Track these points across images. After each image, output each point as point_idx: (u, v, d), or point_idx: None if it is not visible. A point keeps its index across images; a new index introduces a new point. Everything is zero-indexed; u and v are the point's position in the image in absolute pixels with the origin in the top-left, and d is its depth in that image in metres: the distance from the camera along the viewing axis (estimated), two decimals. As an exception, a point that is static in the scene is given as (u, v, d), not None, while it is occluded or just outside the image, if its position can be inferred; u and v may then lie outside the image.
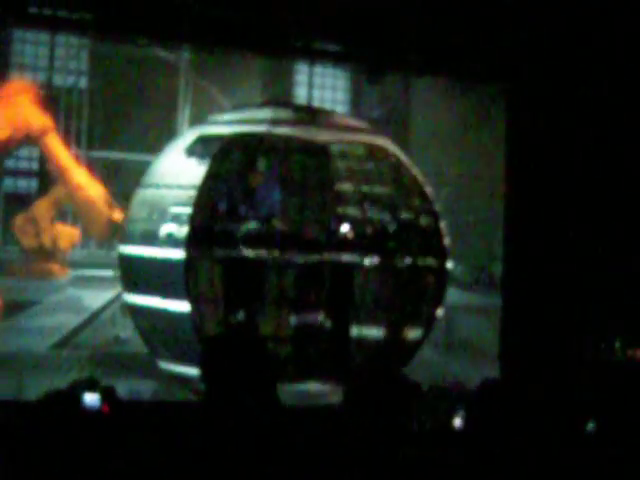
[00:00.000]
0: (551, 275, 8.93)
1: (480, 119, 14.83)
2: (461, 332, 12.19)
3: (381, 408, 3.91)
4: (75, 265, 14.42)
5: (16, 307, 11.49)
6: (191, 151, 9.04)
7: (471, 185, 15.09)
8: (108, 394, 4.33)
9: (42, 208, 13.59)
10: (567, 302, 8.89)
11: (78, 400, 4.10)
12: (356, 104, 18.01)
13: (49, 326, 11.36)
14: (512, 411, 4.25)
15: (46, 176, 14.52)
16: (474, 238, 14.46)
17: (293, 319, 9.29)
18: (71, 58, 17.36)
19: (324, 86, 18.11)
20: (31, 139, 11.97)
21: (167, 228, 8.64)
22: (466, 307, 12.73)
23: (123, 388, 8.71)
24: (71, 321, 11.78)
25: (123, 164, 14.77)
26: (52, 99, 14.87)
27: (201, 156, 8.88)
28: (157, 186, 9.05)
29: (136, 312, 9.33)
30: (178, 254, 8.57)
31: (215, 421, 3.56)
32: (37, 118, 11.75)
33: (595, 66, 8.83)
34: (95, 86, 17.03)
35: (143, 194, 9.31)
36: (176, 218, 8.57)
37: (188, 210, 8.56)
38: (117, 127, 15.96)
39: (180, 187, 8.74)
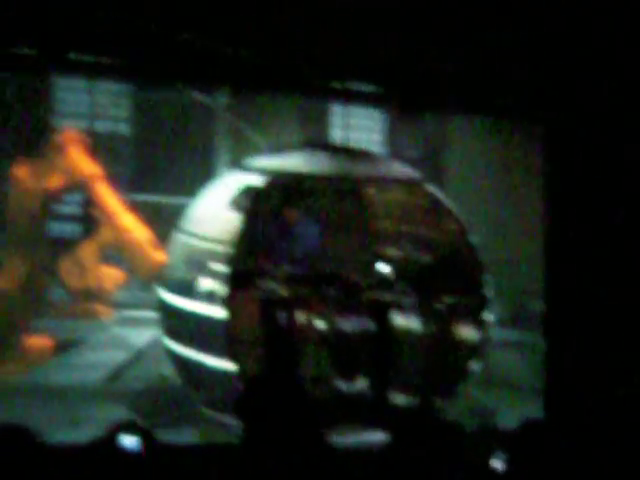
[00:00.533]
0: (595, 311, 8.52)
1: (514, 158, 14.59)
2: (497, 368, 11.77)
3: (426, 452, 3.73)
4: (118, 306, 14.26)
5: (64, 345, 11.45)
6: (227, 195, 8.74)
7: (506, 223, 14.73)
8: (146, 437, 4.08)
9: (87, 251, 13.57)
10: (613, 340, 8.47)
11: (116, 443, 3.91)
12: (391, 145, 17.70)
13: (97, 362, 11.38)
14: (558, 454, 4.04)
15: (89, 220, 14.18)
16: (510, 275, 14.16)
17: (333, 359, 8.94)
18: (112, 105, 17.31)
19: (359, 127, 17.80)
20: (81, 186, 11.99)
21: (206, 284, 8.32)
22: (503, 343, 12.33)
23: (164, 430, 8.64)
24: (117, 358, 11.74)
25: (162, 207, 14.47)
26: (93, 145, 13.89)
27: (237, 200, 8.56)
28: (193, 234, 8.71)
29: (175, 359, 9.05)
30: (219, 313, 8.23)
31: (255, 465, 3.48)
32: (87, 166, 11.72)
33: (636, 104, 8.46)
34: (135, 131, 16.99)
35: (180, 239, 9.06)
36: (215, 275, 8.25)
37: (226, 268, 8.24)
38: (156, 171, 15.92)
39: (216, 239, 8.43)
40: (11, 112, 15.05)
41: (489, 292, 8.94)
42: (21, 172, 10.96)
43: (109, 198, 11.81)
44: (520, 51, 8.58)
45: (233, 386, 8.12)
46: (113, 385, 10.73)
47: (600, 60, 8.49)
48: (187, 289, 8.55)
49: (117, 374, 11.10)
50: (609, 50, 8.47)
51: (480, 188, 14.93)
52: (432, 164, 16.00)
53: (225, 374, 8.22)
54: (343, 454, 4.09)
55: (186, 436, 8.92)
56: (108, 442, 3.83)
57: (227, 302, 8.27)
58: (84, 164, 11.43)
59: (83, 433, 8.12)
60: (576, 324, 8.62)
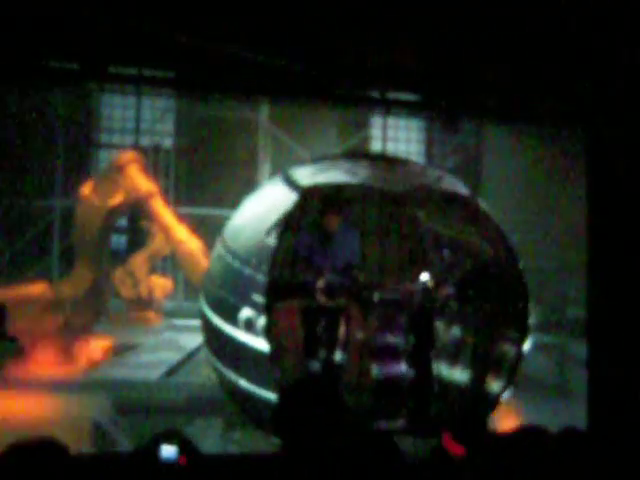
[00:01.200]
0: (638, 319, 8.07)
1: (552, 167, 14.27)
2: (534, 371, 11.39)
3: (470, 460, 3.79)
4: (166, 314, 15.10)
5: (122, 348, 12.32)
6: (267, 205, 8.40)
7: (539, 231, 14.33)
8: (186, 446, 3.96)
9: (138, 261, 14.24)
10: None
11: (156, 453, 3.86)
12: (429, 155, 17.42)
13: (153, 361, 12.11)
14: (600, 463, 3.98)
15: (136, 233, 15.06)
16: (548, 283, 13.80)
17: (374, 369, 8.55)
18: (157, 120, 17.31)
19: (397, 139, 17.54)
20: (139, 202, 12.53)
21: (246, 313, 7.98)
22: (541, 347, 12.01)
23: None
24: (171, 358, 12.44)
25: (207, 219, 14.44)
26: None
27: (277, 210, 8.20)
28: (231, 249, 8.38)
29: (217, 375, 8.75)
30: (258, 344, 7.91)
31: (293, 473, 3.41)
32: (145, 184, 12.39)
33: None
34: (180, 146, 17.08)
35: (219, 252, 8.73)
36: (255, 305, 7.92)
37: (265, 300, 7.90)
38: (201, 184, 15.82)
39: (255, 254, 8.10)
40: (62, 129, 15.23)
41: (531, 302, 8.47)
42: (86, 190, 11.91)
43: (165, 212, 12.41)
44: (563, 57, 8.18)
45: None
46: (170, 380, 11.47)
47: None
48: (227, 310, 8.25)
49: (173, 370, 11.86)
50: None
51: (515, 196, 14.61)
52: (469, 173, 15.68)
53: (265, 402, 7.86)
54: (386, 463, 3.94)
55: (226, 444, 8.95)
56: (149, 451, 3.78)
57: (267, 312, 7.91)
58: (142, 182, 12.12)
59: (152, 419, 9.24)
60: (618, 331, 8.18)
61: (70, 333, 11.53)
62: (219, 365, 8.52)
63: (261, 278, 7.92)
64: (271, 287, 7.92)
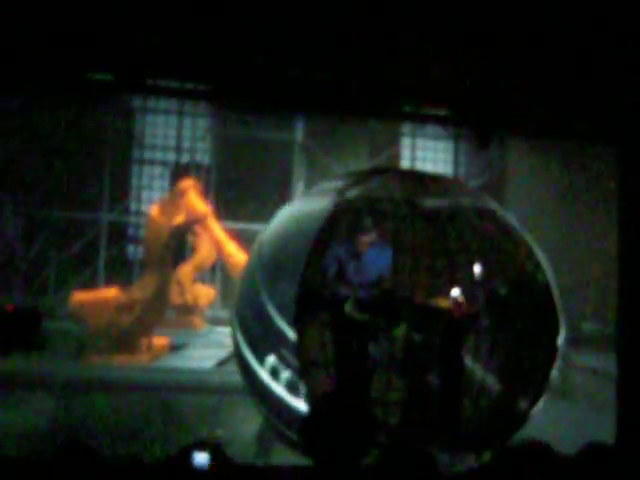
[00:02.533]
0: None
1: (572, 187, 13.73)
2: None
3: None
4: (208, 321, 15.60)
5: (175, 346, 13.47)
6: (299, 219, 7.76)
7: (563, 249, 13.64)
8: (217, 453, 3.84)
9: (185, 271, 14.91)
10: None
11: (188, 460, 3.79)
12: (456, 176, 16.80)
13: (204, 355, 12.90)
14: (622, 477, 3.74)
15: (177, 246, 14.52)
16: (564, 299, 13.16)
17: (404, 384, 7.87)
18: (197, 139, 17.18)
19: (425, 159, 16.94)
20: (197, 221, 13.28)
21: (272, 360, 7.38)
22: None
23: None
24: (219, 353, 12.92)
25: (244, 233, 14.35)
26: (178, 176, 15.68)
27: (309, 224, 7.55)
28: (261, 265, 7.73)
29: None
30: (281, 392, 7.29)
31: None
32: (202, 207, 13.03)
33: None
34: (218, 164, 16.84)
35: (249, 268, 8.14)
36: (282, 358, 7.31)
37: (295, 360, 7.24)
38: (238, 200, 15.84)
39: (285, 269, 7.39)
40: (109, 147, 15.26)
41: (562, 318, 7.77)
42: (155, 212, 12.75)
43: (217, 230, 13.28)
44: (596, 74, 7.52)
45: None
46: (221, 369, 12.16)
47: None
48: (255, 345, 7.68)
49: (223, 362, 12.45)
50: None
51: (536, 214, 13.99)
52: (493, 193, 15.07)
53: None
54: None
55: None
56: (181, 458, 3.74)
57: (298, 325, 7.25)
58: (199, 205, 12.91)
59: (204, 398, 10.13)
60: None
61: (139, 330, 12.56)
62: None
63: (292, 335, 7.26)
64: (301, 300, 7.24)
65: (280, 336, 7.30)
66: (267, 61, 7.58)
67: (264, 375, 7.39)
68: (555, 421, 8.29)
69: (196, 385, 11.04)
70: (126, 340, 12.28)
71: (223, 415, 9.88)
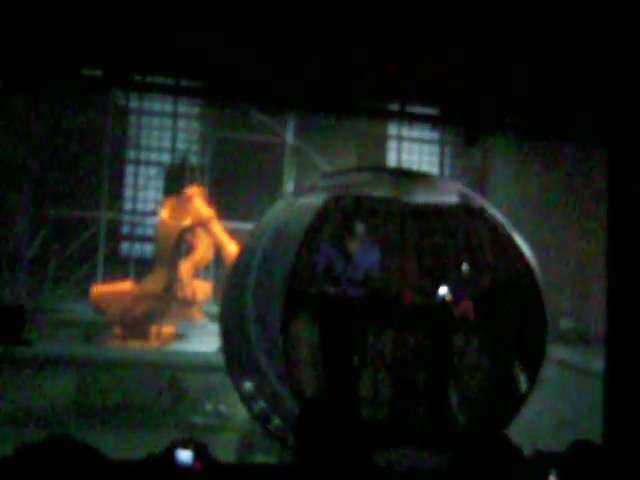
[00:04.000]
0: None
1: (551, 188, 13.31)
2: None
3: (486, 474, 3.25)
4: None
5: (179, 335, 13.72)
6: (286, 216, 7.18)
7: (542, 247, 13.17)
8: (201, 451, 3.73)
9: (184, 268, 14.61)
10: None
11: (172, 458, 3.66)
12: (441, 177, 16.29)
13: (207, 342, 12.54)
14: (609, 475, 3.52)
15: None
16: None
17: (391, 382, 7.31)
18: (192, 141, 16.83)
19: (411, 161, 16.39)
20: (202, 225, 13.62)
21: (248, 386, 7.02)
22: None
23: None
24: (218, 342, 12.93)
25: (236, 233, 14.03)
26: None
27: (297, 221, 6.98)
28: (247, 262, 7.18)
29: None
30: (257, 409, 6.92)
31: None
32: (206, 211, 13.47)
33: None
34: (212, 165, 16.93)
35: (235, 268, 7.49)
36: (258, 386, 6.93)
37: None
38: (230, 200, 15.50)
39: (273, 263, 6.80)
40: (108, 148, 15.96)
41: (549, 316, 7.21)
42: (165, 214, 13.41)
43: (220, 231, 13.53)
44: (584, 75, 6.96)
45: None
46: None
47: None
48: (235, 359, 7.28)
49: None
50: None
51: (515, 214, 13.54)
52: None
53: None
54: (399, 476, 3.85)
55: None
56: (166, 456, 3.65)
57: (285, 323, 6.68)
58: (204, 210, 13.42)
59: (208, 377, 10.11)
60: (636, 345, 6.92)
61: (150, 319, 13.22)
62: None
63: (265, 364, 6.80)
64: (289, 297, 6.66)
65: (258, 364, 6.90)
66: (258, 59, 7.07)
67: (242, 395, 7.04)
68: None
69: (201, 365, 11.06)
70: (139, 327, 13.13)
71: (226, 392, 9.59)
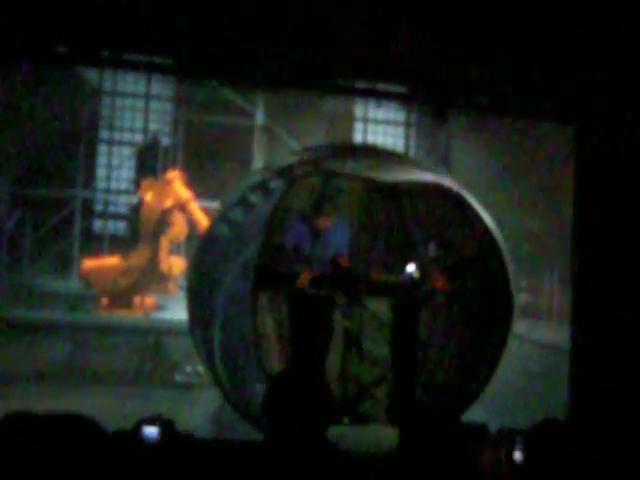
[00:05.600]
0: (622, 313, 6.45)
1: (511, 165, 12.97)
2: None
3: (441, 454, 3.25)
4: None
5: (159, 305, 13.90)
6: (255, 195, 6.68)
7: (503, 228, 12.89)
8: (167, 427, 3.59)
9: (162, 245, 14.47)
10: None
11: (138, 433, 3.52)
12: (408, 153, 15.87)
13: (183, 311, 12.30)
14: (573, 449, 3.36)
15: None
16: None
17: (358, 359, 6.87)
18: (164, 122, 16.43)
19: (376, 143, 15.86)
20: (180, 206, 13.60)
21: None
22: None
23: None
24: None
25: (207, 211, 13.32)
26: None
27: (266, 200, 6.48)
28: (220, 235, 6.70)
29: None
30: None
31: (273, 462, 2.94)
32: (185, 193, 13.56)
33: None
34: (184, 146, 16.37)
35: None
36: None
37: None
38: (200, 179, 14.66)
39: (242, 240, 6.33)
40: (84, 128, 15.83)
41: (516, 295, 6.81)
42: (148, 195, 13.68)
43: (197, 211, 13.54)
44: (552, 55, 6.53)
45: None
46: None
47: (629, 58, 6.43)
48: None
49: None
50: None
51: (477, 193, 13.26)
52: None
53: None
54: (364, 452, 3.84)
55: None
56: (132, 431, 3.52)
57: (253, 301, 6.20)
58: (183, 192, 13.60)
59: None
60: (602, 320, 6.56)
61: (135, 291, 13.46)
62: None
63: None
64: (257, 275, 6.18)
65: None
66: (228, 36, 6.55)
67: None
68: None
69: (181, 331, 10.63)
70: (124, 298, 13.45)
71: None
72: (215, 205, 13.31)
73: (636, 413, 6.38)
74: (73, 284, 14.62)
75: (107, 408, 7.26)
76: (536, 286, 13.45)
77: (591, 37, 6.62)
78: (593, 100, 6.64)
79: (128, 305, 13.61)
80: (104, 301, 13.52)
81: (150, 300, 14.08)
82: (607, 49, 6.62)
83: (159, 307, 14.04)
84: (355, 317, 6.87)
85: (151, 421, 3.62)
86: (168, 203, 13.69)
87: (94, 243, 15.76)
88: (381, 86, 6.92)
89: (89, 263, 14.10)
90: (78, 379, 9.96)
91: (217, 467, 3.34)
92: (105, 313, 13.41)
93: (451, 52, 6.60)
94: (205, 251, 6.94)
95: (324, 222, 6.54)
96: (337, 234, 6.58)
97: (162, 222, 13.95)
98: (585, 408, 6.58)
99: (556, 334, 10.62)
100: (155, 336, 11.50)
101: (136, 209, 15.06)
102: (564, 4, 6.64)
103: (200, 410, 8.30)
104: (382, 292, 6.83)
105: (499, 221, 11.40)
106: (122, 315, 13.20)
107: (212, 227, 7.14)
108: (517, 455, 3.50)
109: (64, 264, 15.44)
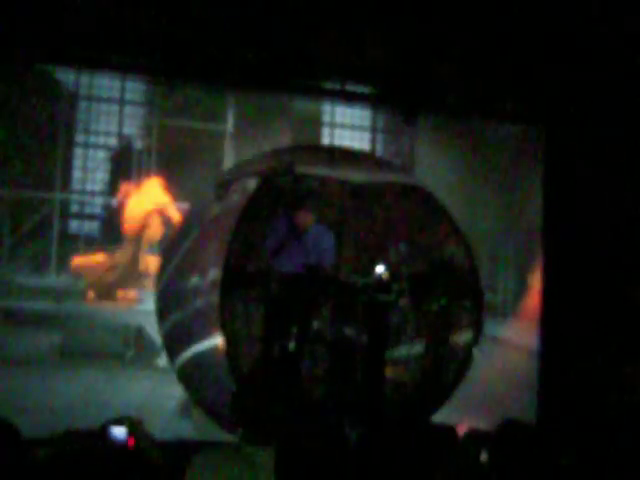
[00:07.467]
0: (591, 314, 6.05)
1: (477, 167, 12.61)
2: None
3: (407, 456, 3.09)
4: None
5: (139, 299, 13.97)
6: (222, 197, 6.18)
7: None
8: (135, 428, 3.42)
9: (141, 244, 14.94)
10: (608, 347, 6.00)
11: (106, 433, 3.34)
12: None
13: None
14: (535, 450, 3.10)
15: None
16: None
17: (328, 360, 6.36)
18: (138, 127, 16.18)
19: (345, 137, 15.52)
20: (158, 210, 13.97)
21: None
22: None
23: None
24: None
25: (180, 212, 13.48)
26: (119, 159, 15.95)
27: (231, 201, 5.98)
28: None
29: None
30: None
31: (245, 461, 2.74)
32: (163, 197, 13.97)
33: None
34: (156, 150, 15.60)
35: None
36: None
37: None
38: (174, 182, 14.45)
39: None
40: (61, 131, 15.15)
41: (485, 295, 6.37)
42: (128, 200, 14.11)
43: (174, 214, 13.73)
44: (521, 56, 6.10)
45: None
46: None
47: (601, 60, 6.02)
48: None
49: None
50: (610, 50, 6.00)
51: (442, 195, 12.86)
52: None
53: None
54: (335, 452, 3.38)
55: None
56: (100, 432, 3.38)
57: (224, 303, 5.69)
58: (162, 196, 14.01)
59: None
60: (571, 324, 6.17)
61: (119, 285, 13.88)
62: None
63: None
64: (227, 275, 5.73)
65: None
66: (197, 37, 6.06)
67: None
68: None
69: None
70: (109, 292, 13.89)
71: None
72: (186, 206, 13.18)
73: (603, 412, 6.02)
74: (52, 280, 14.60)
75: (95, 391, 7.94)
76: (492, 284, 13.14)
77: (560, 38, 6.21)
78: (562, 101, 6.22)
79: (112, 298, 13.97)
80: (90, 294, 13.88)
81: (131, 294, 14.40)
82: (576, 50, 6.22)
83: (140, 300, 14.19)
84: (326, 319, 6.36)
85: (118, 422, 3.45)
86: (149, 206, 14.16)
87: (69, 243, 15.37)
88: (350, 87, 6.43)
89: (79, 259, 14.67)
90: (68, 362, 10.24)
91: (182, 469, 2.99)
92: (91, 305, 13.71)
93: (420, 53, 6.15)
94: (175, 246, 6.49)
95: (306, 217, 5.94)
96: (321, 241, 5.98)
97: (144, 224, 14.33)
98: (554, 409, 6.21)
99: (513, 331, 10.29)
100: (137, 325, 11.68)
101: (112, 210, 15.22)
102: (532, 5, 6.22)
103: (180, 391, 7.84)
104: (351, 293, 6.32)
105: (463, 223, 11.07)
106: (108, 306, 13.54)
107: (182, 227, 6.65)
108: (483, 456, 3.25)
109: (42, 262, 15.19)
